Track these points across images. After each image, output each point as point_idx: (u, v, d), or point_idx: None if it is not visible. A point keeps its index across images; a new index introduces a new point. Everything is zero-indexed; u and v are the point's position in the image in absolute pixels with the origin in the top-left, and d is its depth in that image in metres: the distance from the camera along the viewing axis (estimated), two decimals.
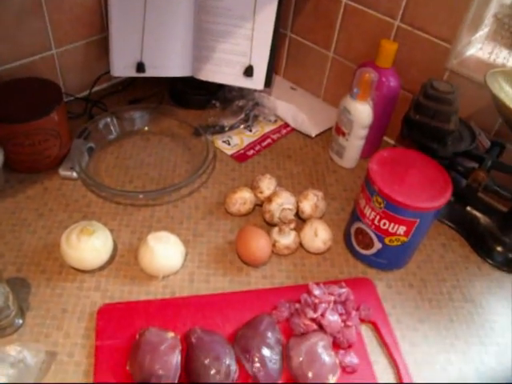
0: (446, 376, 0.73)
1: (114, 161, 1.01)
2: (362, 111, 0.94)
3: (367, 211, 0.80)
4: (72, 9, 1.04)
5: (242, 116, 1.08)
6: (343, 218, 0.93)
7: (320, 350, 0.70)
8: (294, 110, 1.11)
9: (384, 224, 0.78)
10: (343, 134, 0.99)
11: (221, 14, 1.02)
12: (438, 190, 0.76)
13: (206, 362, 0.67)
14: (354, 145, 0.99)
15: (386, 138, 1.11)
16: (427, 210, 0.75)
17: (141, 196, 0.92)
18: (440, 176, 0.79)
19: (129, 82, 1.20)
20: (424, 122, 0.87)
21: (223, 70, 1.05)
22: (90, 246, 0.78)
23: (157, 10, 1.04)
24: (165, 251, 0.79)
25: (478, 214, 0.93)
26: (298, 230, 0.87)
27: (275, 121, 1.13)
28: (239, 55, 1.04)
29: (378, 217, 0.78)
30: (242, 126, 1.09)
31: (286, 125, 1.13)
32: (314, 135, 1.10)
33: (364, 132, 0.97)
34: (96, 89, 1.17)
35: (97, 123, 1.03)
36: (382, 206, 0.76)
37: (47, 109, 0.90)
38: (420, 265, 0.88)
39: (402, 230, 0.77)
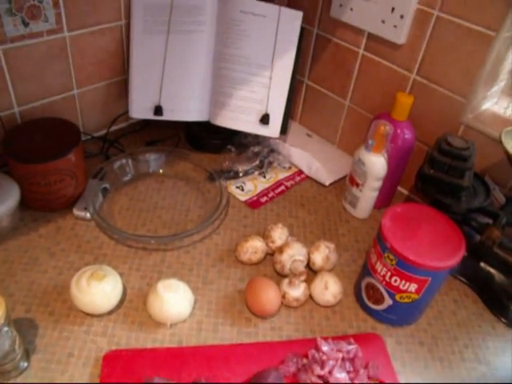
0: None
1: (128, 202, 1.02)
2: (377, 163, 0.94)
3: (378, 267, 0.79)
4: (96, 54, 1.07)
5: (257, 162, 1.08)
6: (354, 269, 0.92)
7: None
8: (309, 157, 1.11)
9: (395, 281, 0.77)
10: (357, 185, 0.99)
11: (239, 61, 1.04)
12: (452, 248, 0.76)
13: None
14: (367, 196, 0.99)
15: (399, 188, 1.11)
16: (439, 270, 0.74)
17: (152, 241, 0.92)
18: (453, 233, 0.78)
19: (146, 123, 1.22)
20: (438, 176, 0.87)
21: (239, 117, 1.06)
22: (99, 290, 0.78)
23: (177, 55, 1.06)
24: (174, 300, 0.79)
25: (493, 271, 0.92)
26: (309, 281, 0.86)
27: (289, 167, 1.14)
28: (256, 103, 1.05)
29: (389, 273, 0.77)
30: (256, 173, 1.10)
31: (300, 172, 1.14)
32: (327, 184, 1.10)
33: (378, 184, 0.97)
34: (113, 128, 1.19)
35: (112, 164, 1.04)
36: (393, 263, 0.75)
37: (65, 150, 0.92)
38: (431, 321, 0.86)
39: (413, 287, 0.76)
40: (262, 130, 1.07)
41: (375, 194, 0.99)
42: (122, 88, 1.16)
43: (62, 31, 0.99)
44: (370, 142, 0.93)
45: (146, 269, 0.89)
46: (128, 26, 1.08)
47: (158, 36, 1.06)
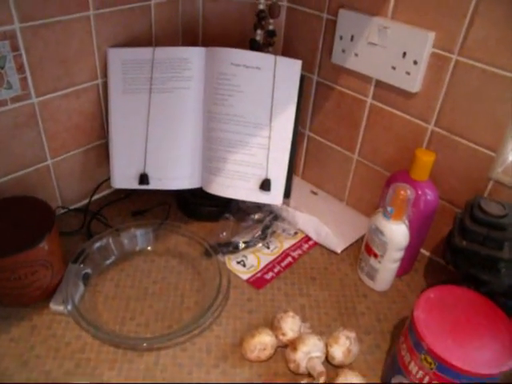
0: None
1: (114, 290, 0.88)
2: (398, 232, 0.82)
3: (413, 369, 0.66)
4: (70, 117, 0.95)
5: (259, 233, 0.96)
6: (379, 358, 0.79)
7: None
8: (317, 222, 0.99)
9: None
10: (375, 256, 0.86)
11: (232, 121, 0.92)
12: (504, 347, 0.63)
13: None
14: (388, 268, 0.86)
15: (422, 251, 0.99)
16: (492, 377, 0.61)
17: (145, 344, 0.79)
18: (499, 321, 0.66)
19: (132, 190, 1.09)
20: (472, 249, 0.74)
21: (236, 184, 0.93)
22: None
23: (161, 116, 0.94)
24: None
25: None
26: (328, 378, 0.73)
27: (295, 233, 1.01)
28: (254, 167, 0.92)
29: (427, 377, 0.64)
30: (259, 244, 0.97)
31: (308, 238, 1.01)
32: (339, 252, 0.97)
33: (400, 254, 0.84)
34: (96, 197, 1.06)
35: (94, 244, 0.91)
36: (432, 366, 0.62)
37: (37, 238, 0.78)
38: None
39: None
40: (262, 198, 0.94)
41: (396, 265, 0.86)
42: (102, 153, 1.03)
43: (29, 97, 0.87)
44: (389, 209, 0.81)
45: (137, 375, 0.75)
46: (105, 84, 0.96)
47: (139, 95, 0.94)
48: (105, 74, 0.95)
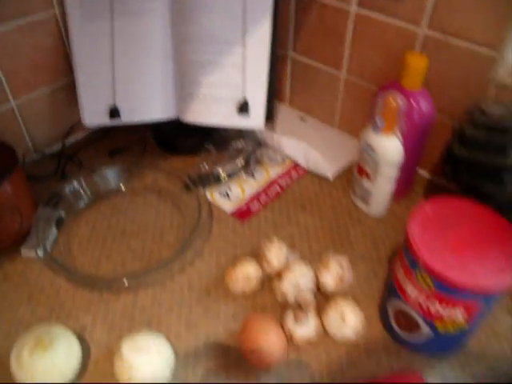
0: None
1: (89, 232, 0.82)
2: (390, 147, 0.74)
3: (409, 288, 0.59)
4: (29, 54, 0.87)
5: (241, 161, 0.88)
6: (376, 286, 0.73)
7: None
8: (305, 147, 0.91)
9: (434, 307, 0.57)
10: (367, 176, 0.79)
11: (203, 40, 0.83)
12: (508, 257, 0.56)
13: None
14: (381, 188, 0.79)
15: (419, 171, 0.91)
16: (494, 290, 0.54)
17: (124, 281, 0.73)
18: (505, 232, 0.58)
19: (107, 130, 1.01)
20: (474, 157, 0.66)
21: (213, 109, 0.85)
22: (47, 363, 0.60)
23: (127, 43, 0.86)
24: (146, 364, 0.60)
25: None
26: (320, 309, 0.67)
27: (283, 161, 0.93)
28: (230, 89, 0.84)
29: (424, 297, 0.57)
30: (242, 174, 0.89)
31: (297, 165, 0.93)
32: (331, 177, 0.90)
33: (393, 172, 0.77)
34: (70, 141, 1.00)
35: (66, 187, 0.85)
36: (429, 284, 0.56)
37: None
38: (484, 345, 0.66)
39: (460, 314, 0.56)
40: (242, 122, 0.85)
41: (391, 185, 0.79)
42: (71, 92, 0.95)
43: None
44: (378, 121, 0.73)
45: (114, 317, 0.70)
46: (64, 15, 0.87)
47: (101, 22, 0.85)
48: (61, 1, 0.87)
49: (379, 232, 0.81)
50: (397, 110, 0.71)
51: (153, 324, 0.68)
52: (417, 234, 0.58)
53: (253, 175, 0.90)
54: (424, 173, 0.92)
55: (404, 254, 0.60)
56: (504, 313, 0.70)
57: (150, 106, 0.88)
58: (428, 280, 0.56)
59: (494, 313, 0.70)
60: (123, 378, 0.60)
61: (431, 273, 0.55)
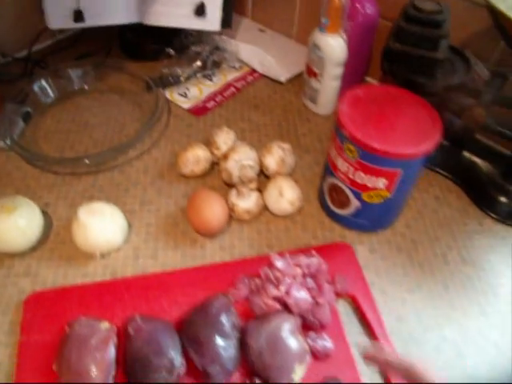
0: (439, 357, 0.60)
1: (55, 125, 0.87)
2: (334, 45, 0.79)
3: (339, 163, 0.66)
4: None
5: (198, 63, 0.93)
6: (318, 173, 0.79)
7: (284, 334, 0.57)
8: (261, 53, 0.96)
9: (360, 177, 0.64)
10: (315, 75, 0.84)
11: None
12: (425, 133, 0.62)
13: (145, 356, 0.55)
14: (328, 87, 0.85)
15: (368, 79, 0.96)
16: (411, 158, 0.61)
17: (86, 161, 0.79)
18: (428, 116, 0.64)
19: (76, 37, 1.05)
20: (406, 51, 0.72)
21: (172, 12, 0.89)
22: (11, 225, 0.66)
23: None
24: (99, 225, 0.66)
25: (477, 160, 0.79)
26: (263, 189, 0.74)
27: (240, 67, 0.98)
28: None
29: (351, 169, 0.64)
30: (200, 75, 0.94)
31: (253, 71, 0.98)
32: (284, 80, 0.95)
33: (338, 70, 0.82)
34: (38, 47, 1.03)
35: (33, 84, 0.89)
36: (355, 155, 0.62)
37: None
38: (410, 223, 0.74)
39: (382, 183, 0.63)
40: (198, 24, 0.90)
41: (337, 83, 0.85)
42: None
43: None
44: (323, 20, 0.78)
45: (75, 196, 0.76)
46: None
47: None
48: None
49: (325, 129, 0.88)
50: (340, 8, 0.76)
51: (110, 202, 0.74)
52: (345, 111, 0.64)
53: (211, 79, 0.95)
54: (372, 80, 0.97)
55: (336, 134, 0.66)
56: (429, 197, 0.78)
57: (113, 9, 0.92)
58: (354, 149, 0.62)
59: (419, 198, 0.77)
60: (79, 239, 0.67)
61: (356, 142, 0.61)
